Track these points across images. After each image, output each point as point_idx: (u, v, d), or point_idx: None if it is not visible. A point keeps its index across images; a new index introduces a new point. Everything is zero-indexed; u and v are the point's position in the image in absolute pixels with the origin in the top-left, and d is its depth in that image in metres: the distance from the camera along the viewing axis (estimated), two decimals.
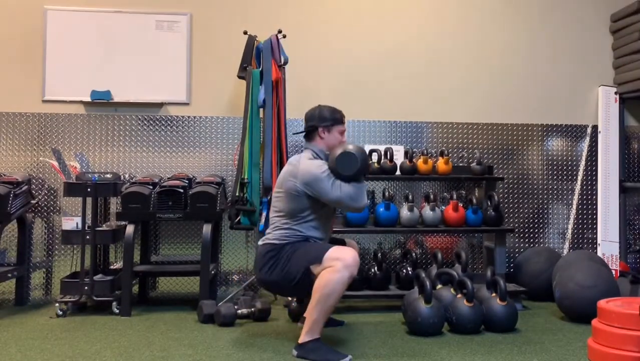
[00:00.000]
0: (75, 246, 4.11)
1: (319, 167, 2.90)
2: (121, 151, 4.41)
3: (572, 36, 4.77)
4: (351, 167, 2.86)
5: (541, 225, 4.67)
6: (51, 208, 4.31)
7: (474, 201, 3.99)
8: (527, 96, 4.71)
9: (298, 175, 2.90)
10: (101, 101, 4.33)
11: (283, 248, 2.90)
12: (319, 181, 2.86)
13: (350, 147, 2.89)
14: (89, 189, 3.67)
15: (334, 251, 2.79)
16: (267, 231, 3.06)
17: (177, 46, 4.46)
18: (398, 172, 4.06)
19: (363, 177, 2.95)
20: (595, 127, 4.71)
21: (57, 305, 3.66)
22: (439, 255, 3.84)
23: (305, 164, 2.93)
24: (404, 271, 3.94)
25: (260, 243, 3.03)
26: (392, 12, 4.64)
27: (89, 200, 3.69)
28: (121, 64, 4.41)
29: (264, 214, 3.85)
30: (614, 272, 4.16)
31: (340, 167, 2.86)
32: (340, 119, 3.10)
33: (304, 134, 3.13)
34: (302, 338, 2.82)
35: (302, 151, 3.17)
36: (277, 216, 3.00)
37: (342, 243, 3.24)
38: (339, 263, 2.72)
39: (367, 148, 4.13)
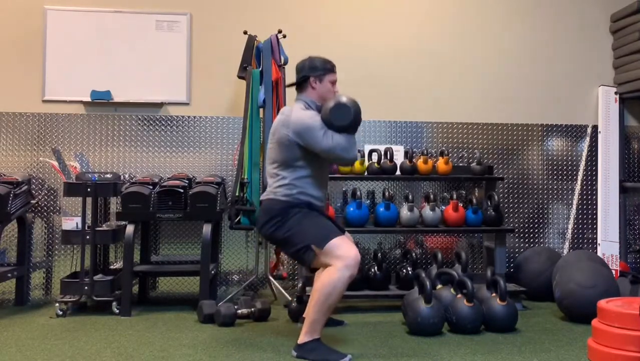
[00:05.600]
0: (75, 246, 4.10)
1: (311, 117, 2.88)
2: (121, 151, 4.41)
3: (572, 36, 4.77)
4: (344, 118, 2.84)
5: (541, 225, 4.67)
6: (51, 208, 4.31)
7: (474, 201, 3.99)
8: (527, 96, 4.71)
9: (290, 125, 2.87)
10: (101, 101, 4.33)
11: (289, 210, 2.86)
12: (311, 130, 2.83)
13: (344, 98, 2.88)
14: (89, 189, 3.67)
15: (338, 245, 2.76)
16: (269, 185, 2.98)
17: (177, 46, 4.46)
18: (398, 172, 4.06)
19: (355, 130, 2.93)
20: (595, 127, 4.70)
21: (57, 304, 3.65)
22: (439, 255, 3.84)
23: (297, 114, 2.91)
24: (404, 271, 3.93)
25: (263, 197, 2.98)
26: (392, 12, 4.64)
27: (89, 200, 3.69)
28: (121, 64, 4.41)
29: None
30: (614, 272, 4.15)
31: (333, 117, 2.84)
32: (332, 69, 3.07)
33: (295, 86, 3.08)
34: (302, 339, 2.82)
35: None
36: (274, 168, 2.95)
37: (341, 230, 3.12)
38: (339, 262, 2.72)
39: (367, 148, 4.14)
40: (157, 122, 4.44)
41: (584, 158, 4.71)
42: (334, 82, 3.06)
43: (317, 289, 2.76)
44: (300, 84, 3.05)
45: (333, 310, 2.87)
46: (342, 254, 2.74)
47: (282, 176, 2.90)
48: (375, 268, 3.89)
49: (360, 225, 3.90)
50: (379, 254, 3.90)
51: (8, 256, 4.19)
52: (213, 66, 4.46)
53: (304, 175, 2.91)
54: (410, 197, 3.98)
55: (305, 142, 2.85)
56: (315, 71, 3.01)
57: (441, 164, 4.07)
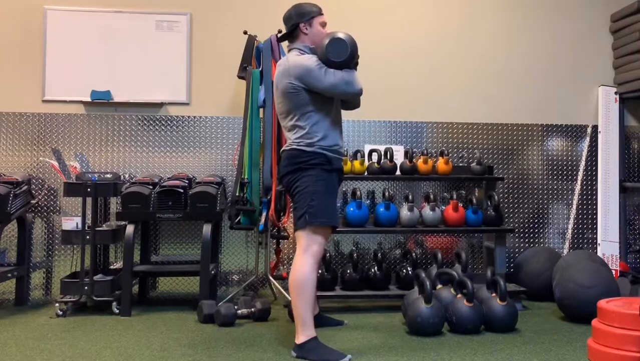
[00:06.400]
0: (75, 246, 4.10)
1: (309, 59, 2.89)
2: (121, 151, 4.41)
3: (572, 36, 4.76)
4: (341, 52, 2.84)
5: (541, 225, 4.67)
6: (51, 208, 4.31)
7: (474, 201, 3.99)
8: (527, 96, 4.71)
9: (290, 72, 2.86)
10: (101, 101, 4.33)
11: (311, 166, 2.86)
12: (311, 71, 2.83)
13: (338, 34, 2.88)
14: (89, 189, 3.67)
15: (321, 233, 2.86)
16: (288, 139, 2.95)
17: (177, 46, 4.46)
18: (398, 173, 4.06)
19: (354, 64, 2.93)
20: (595, 127, 4.70)
21: (57, 305, 3.66)
22: (439, 255, 3.84)
23: (294, 60, 2.90)
24: (404, 271, 3.94)
25: (285, 147, 2.96)
26: (393, 13, 4.64)
27: (89, 200, 3.69)
28: (121, 64, 4.41)
29: (264, 214, 3.85)
30: (614, 272, 4.15)
31: (330, 54, 2.84)
32: (319, 11, 3.05)
33: (287, 38, 3.07)
34: (299, 339, 2.82)
35: None
36: (289, 121, 2.92)
37: None
38: (313, 246, 2.82)
39: (367, 148, 4.14)
40: (157, 122, 4.44)
41: (584, 158, 4.71)
42: (324, 25, 3.04)
43: (293, 286, 2.81)
44: (292, 33, 3.03)
45: (313, 299, 2.88)
46: (319, 241, 2.84)
47: (300, 127, 2.89)
48: (375, 268, 3.89)
49: (360, 225, 3.90)
50: (379, 254, 3.91)
51: (8, 256, 4.19)
52: (213, 66, 4.46)
53: (319, 120, 2.90)
54: (410, 197, 3.98)
55: (308, 85, 2.85)
56: (304, 16, 3.00)
57: (441, 164, 4.07)
